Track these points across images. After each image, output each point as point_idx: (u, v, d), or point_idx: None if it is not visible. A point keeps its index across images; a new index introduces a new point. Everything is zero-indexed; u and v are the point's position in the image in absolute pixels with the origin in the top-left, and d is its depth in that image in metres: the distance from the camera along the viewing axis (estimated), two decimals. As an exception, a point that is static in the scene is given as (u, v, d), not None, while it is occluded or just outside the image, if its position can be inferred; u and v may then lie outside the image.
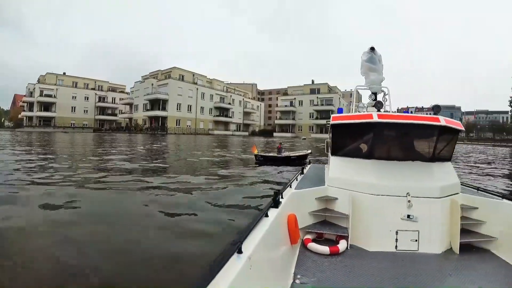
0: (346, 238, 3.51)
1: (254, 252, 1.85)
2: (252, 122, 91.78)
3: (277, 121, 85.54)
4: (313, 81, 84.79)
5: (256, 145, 20.67)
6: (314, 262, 3.08)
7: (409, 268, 3.05)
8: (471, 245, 3.70)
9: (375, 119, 3.50)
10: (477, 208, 3.95)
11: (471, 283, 2.84)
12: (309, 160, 9.44)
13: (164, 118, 64.95)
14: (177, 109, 66.98)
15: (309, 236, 3.59)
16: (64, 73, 76.49)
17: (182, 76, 70.42)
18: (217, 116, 77.38)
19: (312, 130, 78.96)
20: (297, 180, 4.65)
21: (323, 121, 65.16)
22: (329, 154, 4.83)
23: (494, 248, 3.68)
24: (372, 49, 4.61)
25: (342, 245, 3.40)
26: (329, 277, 2.79)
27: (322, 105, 79.16)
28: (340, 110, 4.66)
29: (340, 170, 4.11)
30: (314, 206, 3.94)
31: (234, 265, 1.64)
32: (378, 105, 3.77)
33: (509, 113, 73.54)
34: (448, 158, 4.21)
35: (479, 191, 4.44)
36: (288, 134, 78.10)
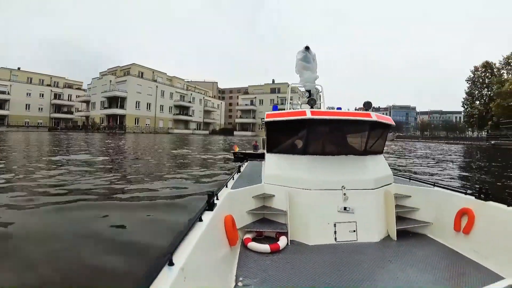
0: (286, 234, 3.53)
1: (187, 262, 1.74)
2: (213, 120, 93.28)
3: (237, 120, 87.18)
4: (273, 81, 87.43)
5: (229, 144, 20.88)
6: (256, 262, 3.03)
7: (349, 258, 3.11)
8: (408, 231, 3.90)
9: (308, 116, 3.58)
10: (410, 196, 4.23)
11: (411, 266, 2.97)
12: (247, 158, 9.26)
13: (123, 117, 64.50)
14: (136, 107, 66.71)
15: (248, 236, 3.54)
16: (19, 68, 73.02)
17: (142, 73, 70.25)
18: (177, 114, 77.97)
19: (272, 129, 79.96)
20: (233, 179, 4.55)
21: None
22: (265, 151, 4.78)
23: (430, 232, 3.93)
24: (307, 48, 4.79)
25: (282, 241, 3.40)
26: (271, 276, 2.77)
27: (283, 104, 79.61)
28: (275, 108, 4.58)
29: (276, 167, 4.15)
30: (251, 204, 3.91)
31: (165, 279, 1.50)
32: (311, 102, 3.95)
33: (462, 113, 77.89)
34: (380, 151, 4.46)
35: (411, 181, 4.75)
36: (249, 133, 79.89)
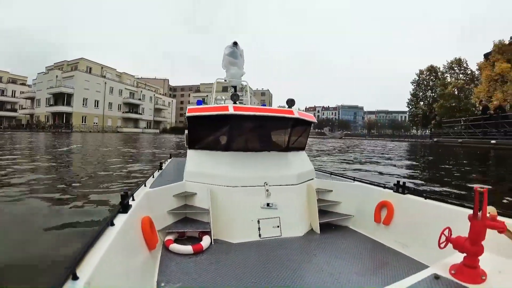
0: (209, 233, 3.41)
1: (95, 274, 1.51)
2: (163, 119, 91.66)
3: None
4: (225, 79, 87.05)
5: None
6: (178, 265, 2.88)
7: (274, 254, 3.11)
8: (331, 224, 3.99)
9: (231, 111, 3.51)
10: (331, 190, 4.31)
11: (335, 258, 3.05)
12: (170, 154, 8.51)
13: (69, 115, 61.03)
14: (84, 104, 63.39)
15: (170, 237, 3.35)
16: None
17: (90, 69, 66.57)
18: (126, 112, 75.33)
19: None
20: (153, 177, 4.33)
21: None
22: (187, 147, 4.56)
23: (352, 224, 4.06)
24: (235, 43, 4.73)
25: (205, 241, 3.27)
26: (194, 278, 2.64)
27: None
28: (199, 102, 4.50)
29: (197, 163, 4.05)
30: (172, 204, 3.73)
31: None
32: (234, 98, 3.84)
33: (407, 113, 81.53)
34: (302, 148, 4.54)
35: (332, 176, 4.86)
36: (201, 132, 78.77)
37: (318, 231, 3.80)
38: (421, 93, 65.79)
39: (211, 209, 3.56)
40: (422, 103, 65.39)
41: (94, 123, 66.33)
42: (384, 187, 3.89)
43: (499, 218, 2.00)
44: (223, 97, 4.90)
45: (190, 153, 4.27)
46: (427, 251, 2.85)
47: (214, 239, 3.41)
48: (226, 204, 3.65)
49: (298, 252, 3.24)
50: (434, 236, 2.17)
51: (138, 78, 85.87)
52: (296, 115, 3.84)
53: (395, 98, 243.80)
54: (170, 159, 7.07)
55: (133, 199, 2.87)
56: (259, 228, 3.60)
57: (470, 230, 1.87)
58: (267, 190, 3.75)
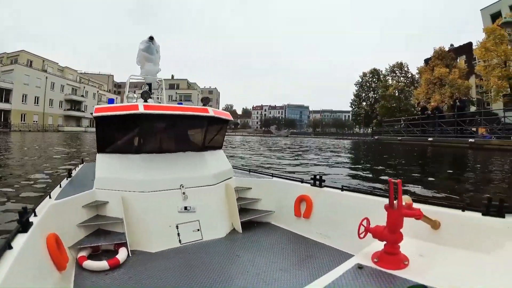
0: (125, 245, 3.06)
1: None
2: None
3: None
4: (172, 76, 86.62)
5: None
6: (94, 284, 2.57)
7: (197, 259, 3.00)
8: (252, 221, 4.00)
9: (141, 110, 3.25)
10: (251, 188, 4.32)
11: (259, 257, 3.02)
12: (82, 159, 7.40)
13: (7, 112, 55.34)
14: (23, 101, 57.95)
15: (83, 254, 2.93)
16: None
17: (31, 62, 61.02)
18: (68, 110, 70.34)
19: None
20: (60, 186, 3.68)
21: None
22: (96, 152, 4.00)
23: (273, 220, 4.13)
24: (151, 38, 4.51)
25: (122, 254, 2.94)
26: None
27: (181, 101, 79.07)
28: (110, 101, 4.01)
29: (108, 169, 3.64)
30: (82, 215, 3.24)
31: None
32: (145, 95, 3.62)
33: (350, 113, 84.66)
34: (219, 146, 4.46)
35: (251, 173, 4.82)
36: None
37: (240, 230, 3.75)
38: (364, 94, 70.00)
39: (125, 218, 3.21)
40: (364, 103, 69.61)
41: (34, 121, 61.28)
42: (302, 182, 3.92)
43: (416, 205, 2.10)
44: (135, 95, 4.23)
45: (100, 157, 3.80)
46: (350, 240, 2.83)
47: (131, 251, 3.09)
48: (140, 211, 3.38)
49: (221, 254, 3.13)
50: (354, 226, 2.16)
51: (81, 73, 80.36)
52: (211, 113, 3.69)
53: (340, 98, 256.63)
54: (81, 164, 6.05)
55: (35, 215, 2.48)
56: (178, 234, 3.40)
57: (388, 219, 1.89)
58: (184, 193, 3.58)
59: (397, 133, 32.38)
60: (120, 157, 3.72)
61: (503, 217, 2.11)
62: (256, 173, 4.88)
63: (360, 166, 14.06)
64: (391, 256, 1.83)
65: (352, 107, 73.31)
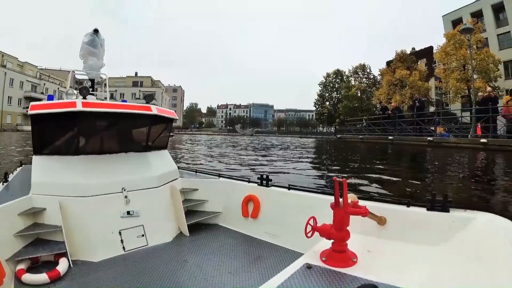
0: (65, 254, 2.80)
1: None
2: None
3: (95, 113, 78.70)
4: (136, 73, 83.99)
5: None
6: None
7: (142, 267, 2.84)
8: (200, 223, 3.88)
9: (79, 107, 2.99)
10: (197, 189, 4.20)
11: (207, 260, 2.95)
12: (21, 161, 6.53)
13: None
14: None
15: (22, 266, 2.65)
16: None
17: None
18: (27, 108, 63.62)
19: (134, 123, 76.36)
20: None
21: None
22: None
23: (221, 221, 4.04)
24: (96, 31, 4.21)
25: (62, 265, 2.69)
26: None
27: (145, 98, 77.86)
28: (50, 97, 3.59)
29: (44, 172, 3.30)
30: (19, 224, 2.92)
31: None
32: (83, 92, 3.29)
33: (314, 112, 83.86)
34: (164, 146, 4.30)
35: (197, 173, 4.72)
36: (109, 129, 73.89)
37: (187, 233, 3.62)
38: (327, 94, 70.82)
39: (64, 226, 2.94)
40: (328, 103, 70.47)
41: (-10, 120, 56.59)
42: (249, 181, 3.87)
43: (362, 202, 2.10)
44: (75, 92, 3.90)
45: (36, 159, 3.44)
46: (298, 239, 2.68)
47: (72, 261, 2.84)
48: (80, 217, 3.12)
49: (168, 260, 3.01)
50: (302, 225, 2.07)
51: (42, 69, 76.16)
52: (154, 111, 3.51)
53: (304, 97, 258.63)
54: (20, 168, 5.52)
55: None
56: (122, 240, 3.18)
57: (334, 218, 1.89)
58: (126, 197, 3.35)
59: (359, 132, 32.00)
60: (57, 159, 3.39)
61: (448, 211, 2.17)
62: (203, 173, 4.76)
63: (319, 166, 13.77)
64: (339, 254, 1.83)
65: (315, 107, 74.19)
